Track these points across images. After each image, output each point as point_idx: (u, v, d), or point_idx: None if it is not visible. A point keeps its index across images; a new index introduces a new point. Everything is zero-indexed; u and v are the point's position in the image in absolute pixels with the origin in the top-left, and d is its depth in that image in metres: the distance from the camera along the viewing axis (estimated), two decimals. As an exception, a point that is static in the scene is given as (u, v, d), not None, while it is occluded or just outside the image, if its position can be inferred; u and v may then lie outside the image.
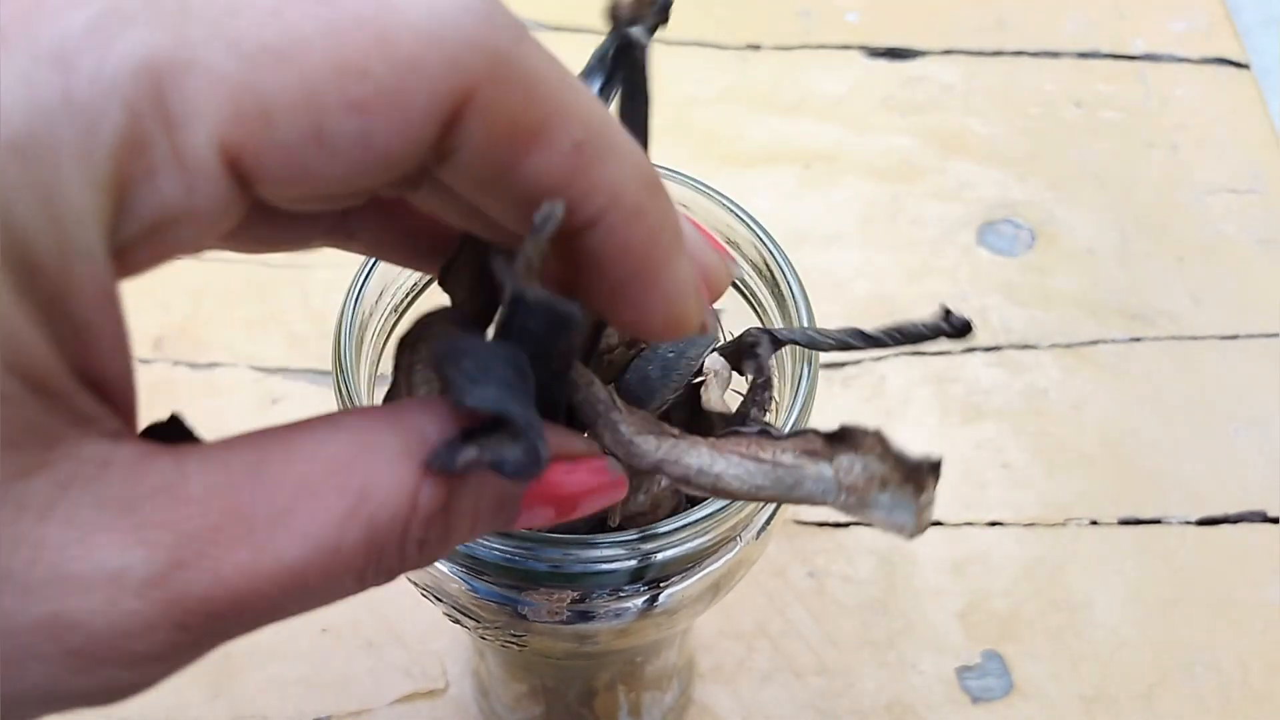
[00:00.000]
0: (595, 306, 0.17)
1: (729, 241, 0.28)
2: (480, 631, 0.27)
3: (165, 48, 0.13)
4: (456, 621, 0.27)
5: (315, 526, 0.14)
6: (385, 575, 0.15)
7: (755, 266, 0.27)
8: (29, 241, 0.12)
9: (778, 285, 0.27)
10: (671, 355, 0.26)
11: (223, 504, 0.14)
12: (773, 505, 0.26)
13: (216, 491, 0.14)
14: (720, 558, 0.25)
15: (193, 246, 0.14)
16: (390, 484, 0.15)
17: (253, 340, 0.46)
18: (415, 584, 0.27)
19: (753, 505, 0.24)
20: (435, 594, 0.26)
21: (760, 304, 0.28)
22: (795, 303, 0.26)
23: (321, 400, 0.44)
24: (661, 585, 0.25)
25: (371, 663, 0.40)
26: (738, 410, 0.24)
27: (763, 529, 0.26)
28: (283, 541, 0.14)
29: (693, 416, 0.26)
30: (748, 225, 0.27)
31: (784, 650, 0.40)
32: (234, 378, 0.45)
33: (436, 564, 0.25)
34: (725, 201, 0.28)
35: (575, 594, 0.24)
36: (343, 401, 0.24)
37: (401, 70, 0.14)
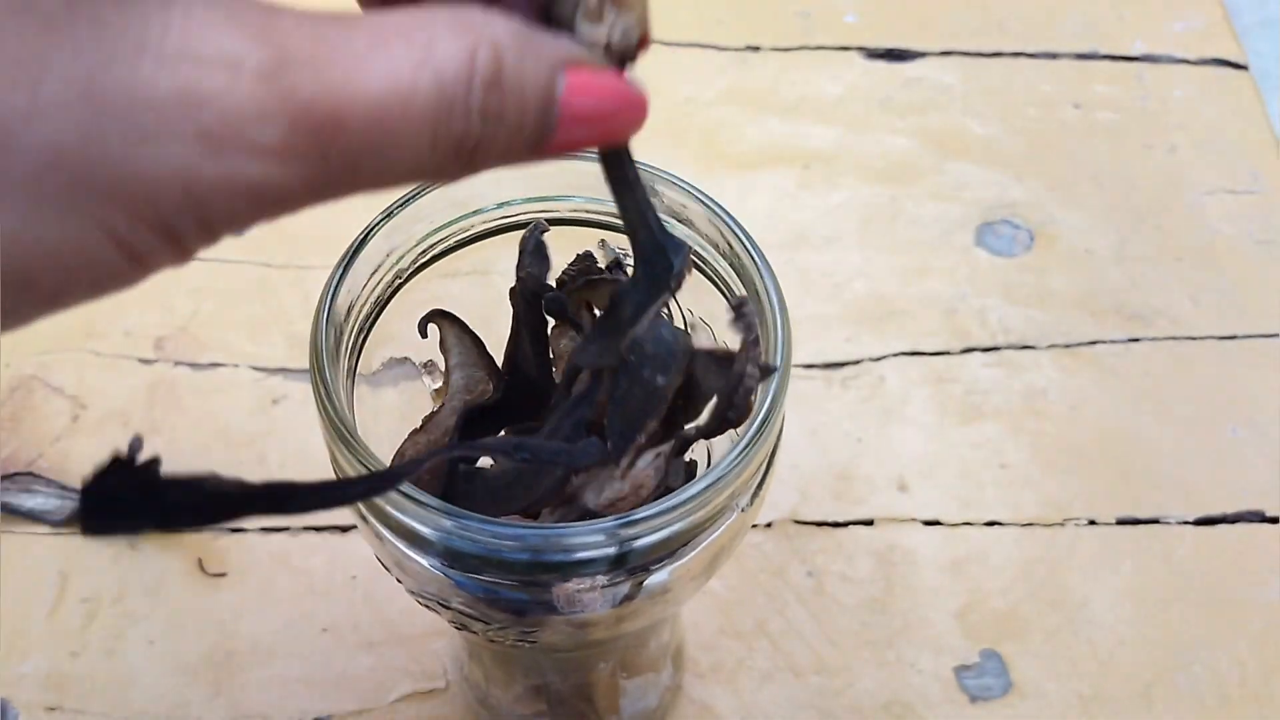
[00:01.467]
0: None
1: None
2: (489, 634, 0.27)
3: None
4: (463, 627, 0.27)
5: (392, 67, 0.15)
6: (454, 141, 0.16)
7: (731, 263, 0.28)
8: None
9: (754, 283, 0.27)
10: (662, 354, 0.26)
11: (313, 34, 0.15)
12: (763, 472, 0.26)
13: (305, 26, 0.15)
14: (718, 527, 0.25)
15: None
16: (450, 43, 0.16)
17: (253, 340, 0.46)
18: (416, 595, 0.27)
19: (735, 484, 0.24)
20: (441, 602, 0.26)
21: (730, 289, 0.28)
22: (768, 292, 0.26)
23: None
24: (652, 569, 0.25)
25: (372, 662, 0.40)
26: (735, 369, 0.25)
27: (755, 494, 0.26)
28: (366, 74, 0.15)
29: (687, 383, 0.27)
30: (721, 218, 0.27)
31: (783, 649, 0.40)
32: (234, 378, 0.45)
33: (446, 572, 0.25)
34: (693, 191, 0.28)
35: (606, 579, 0.24)
36: (320, 400, 0.25)
37: None
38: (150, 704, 0.39)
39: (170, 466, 0.18)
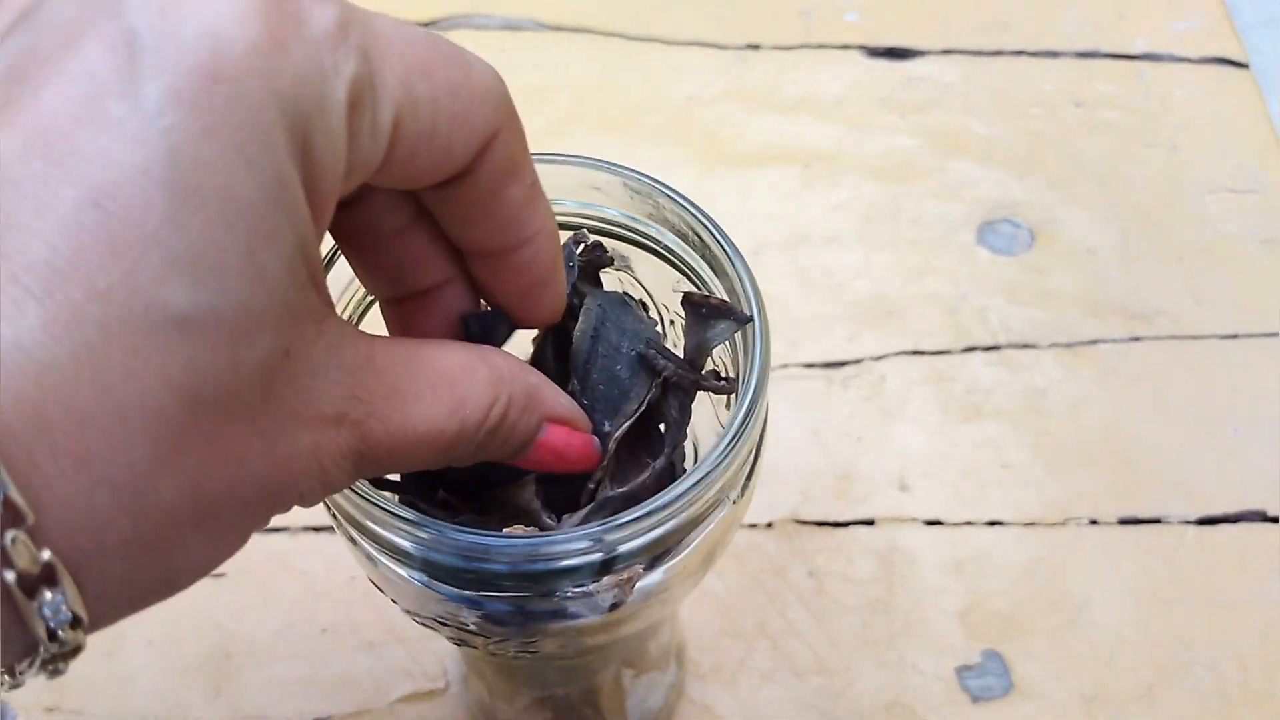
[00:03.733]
0: (508, 307, 0.24)
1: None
2: (490, 648, 0.26)
3: (371, 47, 0.19)
4: (462, 643, 0.27)
5: (435, 413, 0.21)
6: (455, 459, 0.22)
7: (702, 254, 0.27)
8: (321, 172, 0.18)
9: (733, 288, 0.27)
10: (633, 353, 0.26)
11: (392, 380, 0.20)
12: (751, 461, 0.26)
13: (388, 371, 0.20)
14: (710, 523, 0.25)
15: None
16: (479, 396, 0.22)
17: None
18: (413, 615, 0.27)
19: (723, 479, 0.24)
20: (439, 619, 0.26)
21: (699, 279, 0.28)
22: (741, 279, 0.26)
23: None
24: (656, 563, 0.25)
25: (372, 663, 0.40)
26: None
27: (745, 485, 0.26)
28: (416, 422, 0.21)
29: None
30: (705, 225, 0.27)
31: (784, 650, 0.40)
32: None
33: (443, 587, 0.24)
34: (656, 184, 0.28)
35: (642, 567, 0.24)
36: None
37: (476, 101, 0.21)
38: (149, 704, 0.39)
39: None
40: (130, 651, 0.40)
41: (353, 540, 0.25)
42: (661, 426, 0.27)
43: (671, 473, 0.27)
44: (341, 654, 0.40)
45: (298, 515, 0.43)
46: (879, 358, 0.47)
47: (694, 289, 0.27)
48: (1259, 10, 0.57)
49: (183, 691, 0.39)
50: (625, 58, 0.55)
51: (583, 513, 0.25)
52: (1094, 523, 0.43)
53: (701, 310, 0.26)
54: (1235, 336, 0.48)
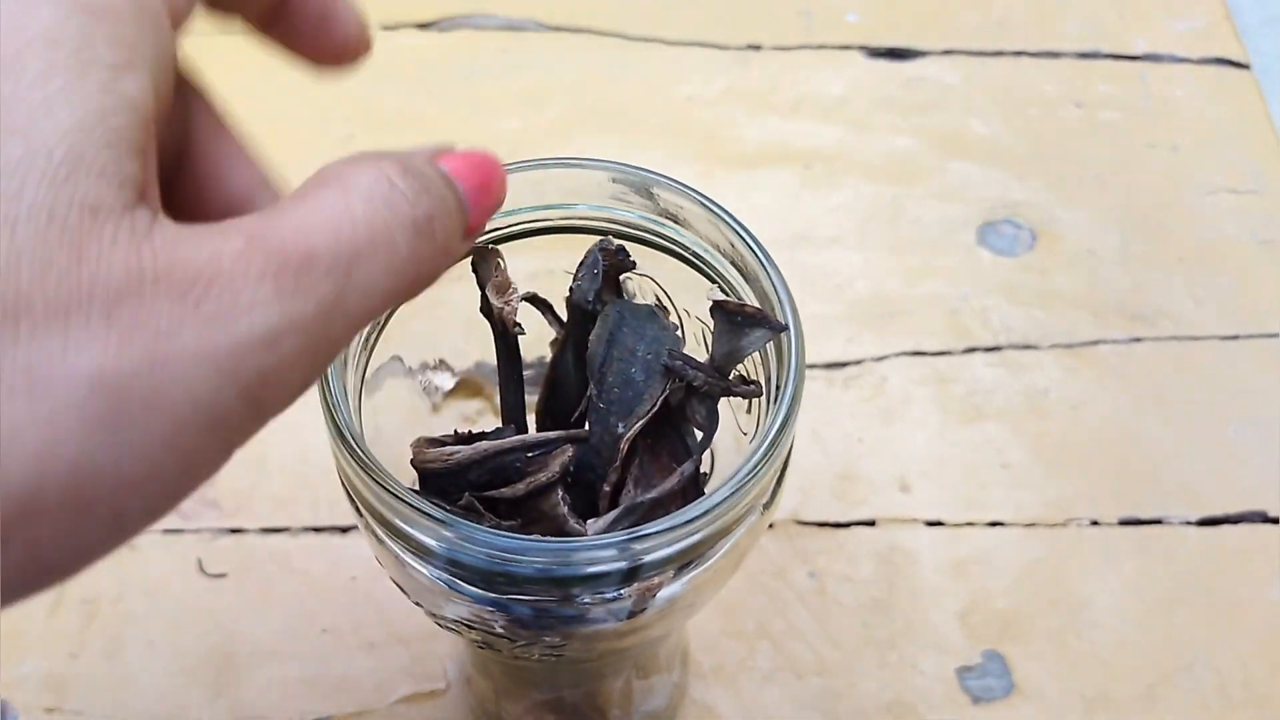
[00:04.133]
0: (310, 53, 0.22)
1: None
2: (515, 650, 0.26)
3: None
4: (486, 645, 0.27)
5: (329, 200, 0.18)
6: (410, 222, 0.19)
7: (734, 262, 0.27)
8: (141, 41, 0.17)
9: (766, 297, 0.27)
10: (649, 356, 0.26)
11: (269, 211, 0.18)
12: (779, 471, 0.26)
13: (261, 214, 0.18)
14: (741, 529, 0.25)
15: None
16: (360, 171, 0.19)
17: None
18: (438, 619, 0.27)
19: (755, 490, 0.24)
20: (467, 623, 0.26)
21: (727, 285, 0.28)
22: (776, 291, 0.26)
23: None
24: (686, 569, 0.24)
25: (373, 663, 0.40)
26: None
27: (775, 491, 0.26)
28: (311, 211, 0.18)
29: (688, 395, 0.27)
30: (738, 233, 0.27)
31: (785, 650, 0.40)
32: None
33: (468, 589, 0.24)
34: (690, 191, 0.28)
35: (672, 574, 0.24)
36: (328, 407, 0.25)
37: None
38: (150, 705, 0.39)
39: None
40: (131, 652, 0.40)
41: (379, 540, 0.25)
42: (689, 434, 0.27)
43: (696, 477, 0.27)
44: (342, 654, 0.40)
45: (298, 516, 0.43)
46: (880, 358, 0.47)
47: (725, 295, 0.27)
48: (1259, 10, 0.57)
49: (183, 692, 0.39)
50: (625, 58, 0.55)
51: (609, 518, 0.25)
52: (1095, 523, 0.43)
53: (736, 318, 0.25)
54: (1236, 337, 0.48)
